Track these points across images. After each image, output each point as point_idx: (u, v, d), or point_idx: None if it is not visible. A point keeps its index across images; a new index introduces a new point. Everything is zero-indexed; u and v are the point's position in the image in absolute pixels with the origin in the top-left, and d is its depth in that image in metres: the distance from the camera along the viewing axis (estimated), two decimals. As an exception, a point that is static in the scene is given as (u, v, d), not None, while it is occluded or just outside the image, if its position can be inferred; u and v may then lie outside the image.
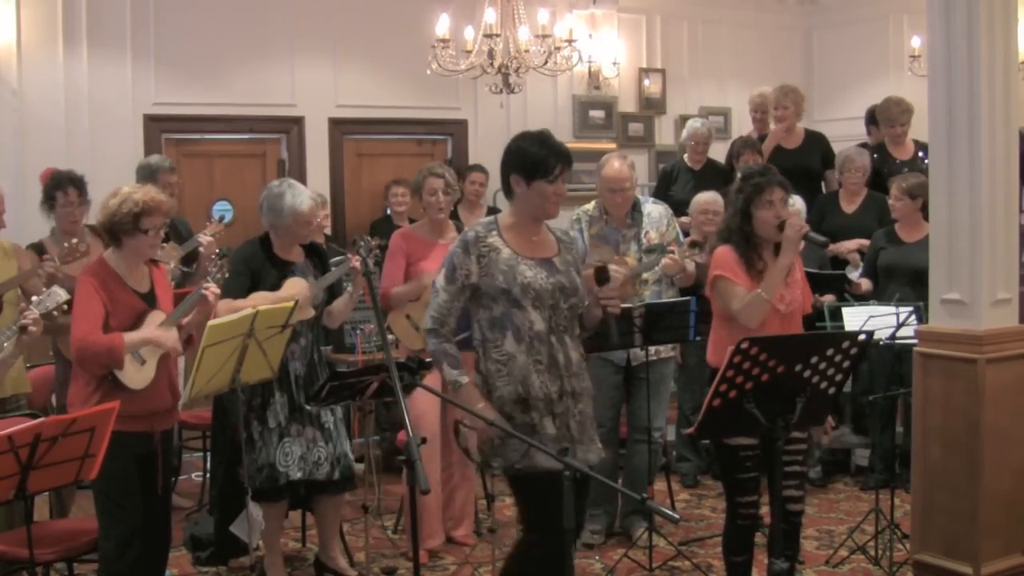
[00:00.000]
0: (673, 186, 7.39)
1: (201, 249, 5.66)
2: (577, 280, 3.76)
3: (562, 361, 3.67)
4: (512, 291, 3.62)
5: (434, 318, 3.69)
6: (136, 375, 4.03)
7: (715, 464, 6.55)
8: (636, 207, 5.43)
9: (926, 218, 6.06)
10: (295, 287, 4.71)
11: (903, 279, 5.95)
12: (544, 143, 3.71)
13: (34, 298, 3.97)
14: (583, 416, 3.75)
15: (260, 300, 4.53)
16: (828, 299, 6.02)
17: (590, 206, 5.53)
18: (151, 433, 4.13)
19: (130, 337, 3.98)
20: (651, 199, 5.71)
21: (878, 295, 6.02)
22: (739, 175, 4.45)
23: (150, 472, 4.16)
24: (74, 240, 5.01)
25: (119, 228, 4.05)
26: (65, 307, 3.99)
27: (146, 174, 6.00)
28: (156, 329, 4.07)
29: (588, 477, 3.32)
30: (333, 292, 4.94)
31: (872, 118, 7.49)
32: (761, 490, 4.19)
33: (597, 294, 3.73)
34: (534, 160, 3.66)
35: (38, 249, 5.40)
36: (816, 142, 7.36)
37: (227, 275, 4.44)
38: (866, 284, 6.13)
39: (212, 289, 4.21)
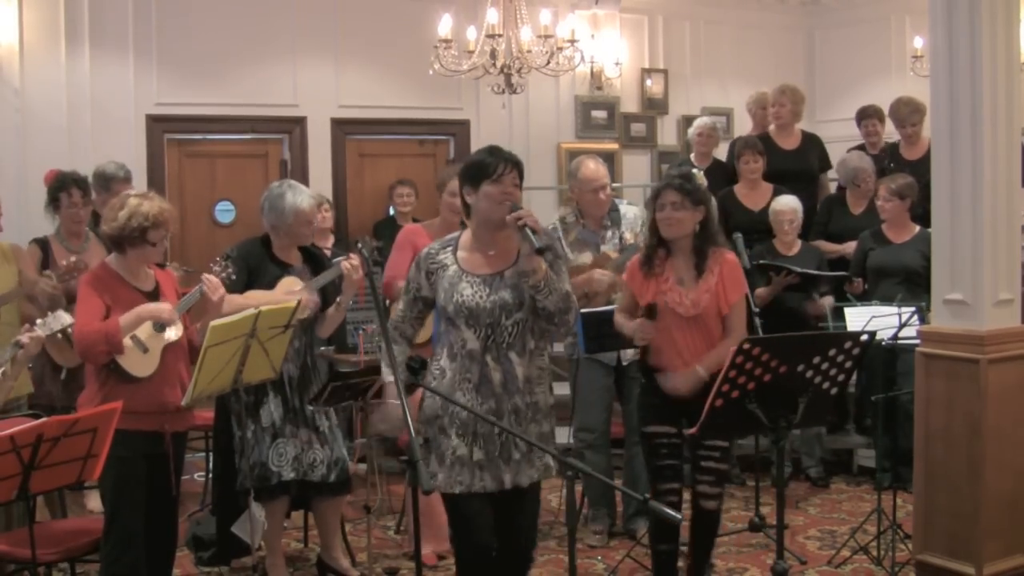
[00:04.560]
0: None
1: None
2: (527, 293, 3.62)
3: (498, 379, 3.61)
4: (448, 309, 3.66)
5: (392, 323, 3.85)
6: (139, 361, 4.04)
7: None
8: (613, 208, 5.46)
9: (913, 219, 6.11)
10: (290, 287, 4.72)
11: (894, 279, 5.98)
12: (488, 150, 3.72)
13: (39, 320, 3.99)
14: (527, 434, 3.63)
15: (256, 298, 4.54)
16: (827, 301, 6.05)
17: (564, 211, 5.54)
18: (161, 433, 4.13)
19: (125, 318, 3.99)
20: (625, 201, 5.73)
21: (868, 295, 6.04)
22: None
23: (161, 474, 4.15)
24: (72, 258, 5.04)
25: (126, 240, 4.07)
26: (68, 329, 4.01)
27: (100, 183, 6.00)
28: (146, 306, 4.07)
29: (516, 495, 3.64)
30: (326, 297, 4.93)
31: (861, 119, 7.51)
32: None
33: (510, 220, 3.56)
34: (478, 166, 3.66)
35: (42, 245, 5.45)
36: (813, 144, 7.35)
37: (232, 276, 4.44)
38: (858, 284, 6.17)
39: (212, 282, 4.21)
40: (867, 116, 7.40)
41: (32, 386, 5.13)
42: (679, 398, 4.23)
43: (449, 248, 3.76)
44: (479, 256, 3.71)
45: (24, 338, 3.91)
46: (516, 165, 3.66)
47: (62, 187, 5.50)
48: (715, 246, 4.31)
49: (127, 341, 3.99)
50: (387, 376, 3.81)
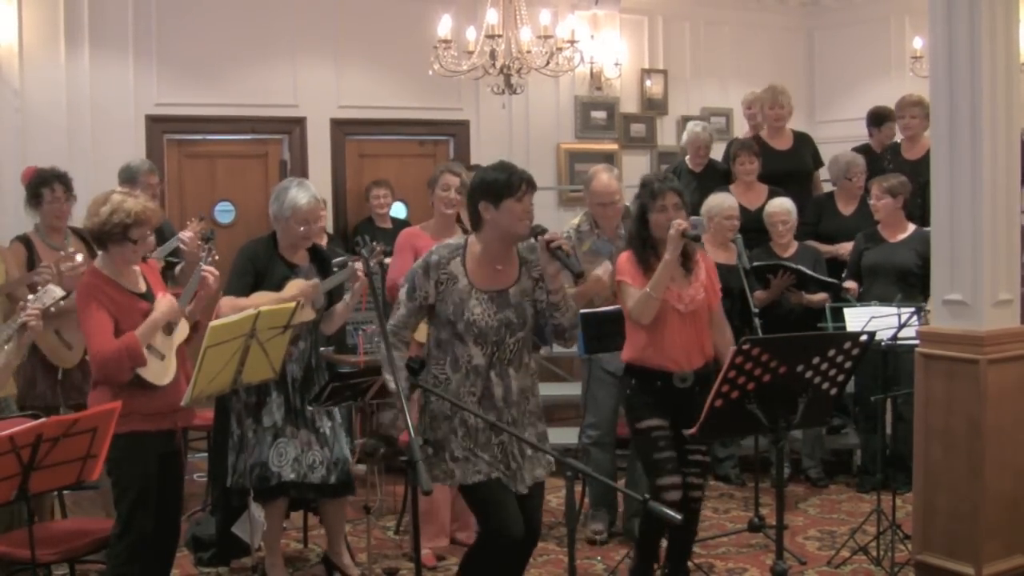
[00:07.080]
0: None
1: (182, 245, 5.66)
2: (528, 311, 3.85)
3: (499, 394, 3.80)
4: (457, 325, 3.78)
5: (391, 328, 3.88)
6: (160, 370, 4.05)
7: (716, 465, 6.56)
8: (626, 216, 5.45)
9: (908, 217, 6.11)
10: (297, 288, 4.71)
11: (887, 279, 5.97)
12: (505, 168, 3.86)
13: (30, 296, 3.99)
14: (526, 438, 3.81)
15: (263, 300, 4.53)
16: (821, 297, 6.05)
17: (578, 220, 5.54)
18: (174, 431, 4.15)
19: (141, 330, 3.98)
20: None
21: (862, 296, 6.04)
22: (640, 182, 4.65)
23: (170, 472, 4.16)
24: (62, 252, 5.04)
25: (107, 237, 4.05)
26: (61, 302, 4.02)
27: (127, 177, 6.02)
28: (157, 312, 4.07)
29: (532, 493, 3.80)
30: (332, 295, 4.93)
31: (873, 119, 7.50)
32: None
33: (542, 243, 3.75)
34: (499, 183, 3.78)
35: (25, 242, 5.43)
36: (805, 143, 7.38)
37: (216, 258, 4.41)
38: (852, 286, 6.15)
39: (211, 270, 4.21)
40: (886, 119, 7.37)
41: (16, 387, 5.09)
42: (672, 394, 4.36)
43: (457, 257, 3.85)
44: (487, 270, 3.83)
45: (29, 318, 3.89)
46: (532, 184, 3.83)
47: (44, 182, 5.46)
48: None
49: (144, 352, 4.00)
50: (389, 383, 3.85)
